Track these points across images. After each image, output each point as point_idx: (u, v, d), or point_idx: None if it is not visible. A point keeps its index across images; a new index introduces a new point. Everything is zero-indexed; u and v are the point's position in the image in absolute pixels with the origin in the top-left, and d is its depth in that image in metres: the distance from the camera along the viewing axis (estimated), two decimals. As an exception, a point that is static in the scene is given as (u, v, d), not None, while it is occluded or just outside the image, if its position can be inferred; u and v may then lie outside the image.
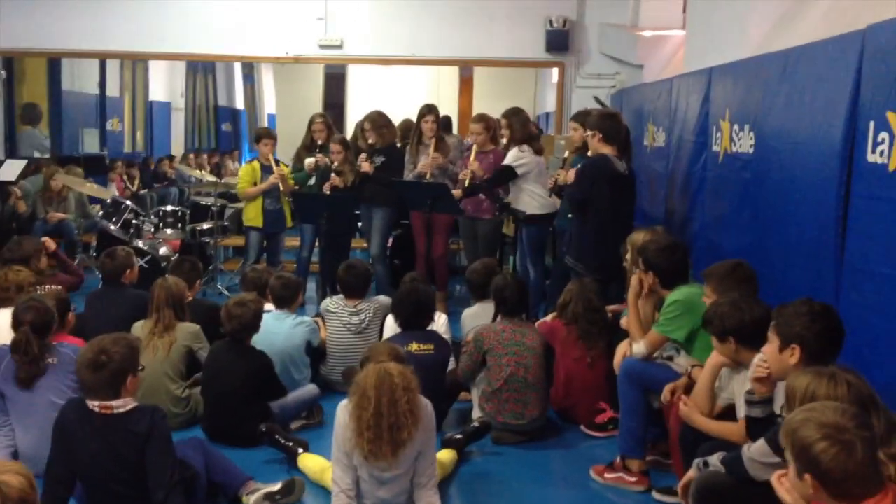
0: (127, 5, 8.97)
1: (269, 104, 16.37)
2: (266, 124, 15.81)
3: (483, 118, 6.84)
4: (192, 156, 13.16)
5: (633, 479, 3.99)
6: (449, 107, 13.53)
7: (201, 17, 9.02)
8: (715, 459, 2.90)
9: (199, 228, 7.76)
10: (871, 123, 3.14)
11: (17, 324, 3.82)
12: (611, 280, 5.26)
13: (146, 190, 11.41)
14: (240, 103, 16.53)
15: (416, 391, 3.41)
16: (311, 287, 7.62)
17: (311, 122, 7.50)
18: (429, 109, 7.00)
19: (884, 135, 3.05)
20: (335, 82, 15.30)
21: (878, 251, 3.08)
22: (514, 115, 6.55)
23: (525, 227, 6.56)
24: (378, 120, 7.17)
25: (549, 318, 5.16)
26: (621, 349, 4.36)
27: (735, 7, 5.46)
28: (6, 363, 3.80)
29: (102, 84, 11.69)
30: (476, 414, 4.61)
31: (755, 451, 2.67)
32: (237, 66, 16.02)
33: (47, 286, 4.82)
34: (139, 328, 4.55)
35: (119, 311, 4.93)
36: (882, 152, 3.06)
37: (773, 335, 2.78)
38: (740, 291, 3.46)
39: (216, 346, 4.46)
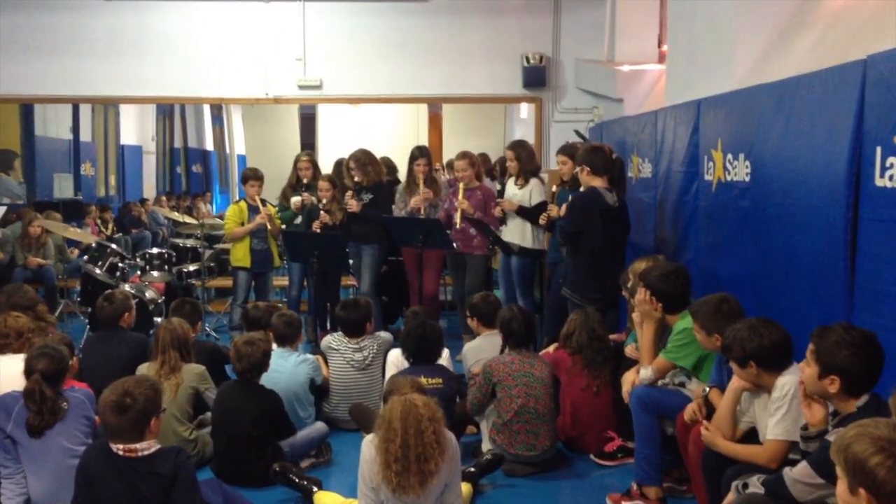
0: (103, 50, 8.95)
1: (238, 145, 16.33)
2: (236, 165, 15.78)
3: (467, 155, 6.94)
4: (164, 198, 13.08)
5: (651, 505, 4.02)
6: (413, 143, 13.66)
7: (178, 59, 9.04)
8: (755, 481, 2.93)
9: (185, 270, 7.69)
10: (878, 149, 3.25)
11: (29, 371, 3.75)
12: (607, 309, 5.33)
13: (120, 234, 11.30)
14: (209, 145, 16.48)
15: (442, 422, 3.41)
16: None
17: (296, 161, 7.54)
18: (420, 152, 7.12)
19: (892, 159, 3.16)
20: (307, 122, 15.33)
21: (892, 273, 3.17)
22: (521, 147, 6.66)
23: (517, 260, 6.63)
24: (363, 158, 7.22)
25: (551, 348, 5.21)
26: (629, 377, 4.41)
27: (718, 41, 5.62)
28: (18, 410, 3.72)
29: (76, 129, 11.59)
30: (486, 446, 4.61)
31: (798, 472, 2.70)
32: (206, 108, 15.99)
33: (51, 332, 4.74)
34: (145, 370, 4.49)
35: (119, 355, 4.88)
36: (891, 176, 3.18)
37: (811, 360, 2.82)
38: (728, 326, 3.51)
39: (225, 387, 4.42)
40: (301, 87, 9.20)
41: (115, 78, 9.00)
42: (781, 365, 3.21)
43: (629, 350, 4.91)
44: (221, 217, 12.70)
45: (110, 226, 11.29)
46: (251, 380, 4.35)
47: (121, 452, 3.18)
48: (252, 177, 7.36)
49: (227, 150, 16.15)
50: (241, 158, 16.12)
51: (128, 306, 5.22)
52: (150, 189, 13.90)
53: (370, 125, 14.33)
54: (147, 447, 3.21)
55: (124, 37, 9.01)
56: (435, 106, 13.84)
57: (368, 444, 3.43)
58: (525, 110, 13.63)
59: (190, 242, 8.81)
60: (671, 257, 5.67)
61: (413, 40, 9.20)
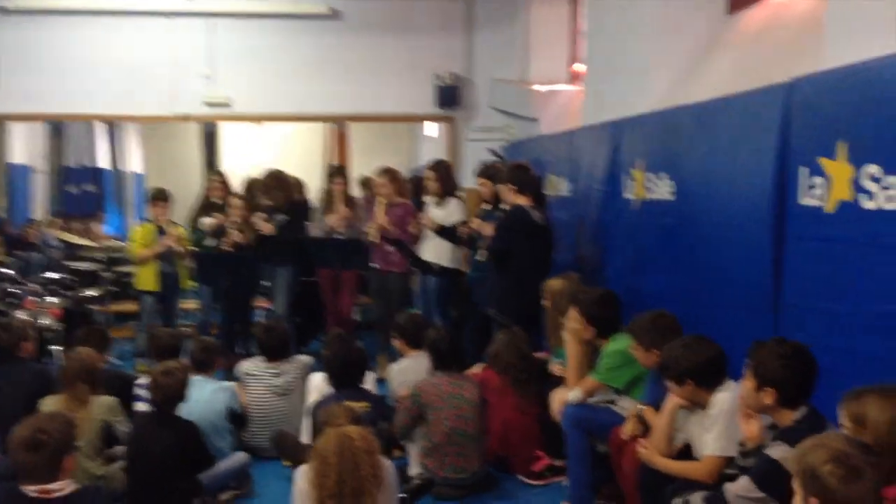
0: (4, 67, 8.46)
1: (134, 163, 15.70)
2: (132, 184, 15.17)
3: (389, 171, 6.85)
4: (55, 220, 12.41)
5: (585, 526, 4.00)
6: (317, 162, 13.50)
7: (79, 76, 8.61)
8: (697, 499, 2.94)
9: (84, 295, 7.29)
10: (804, 169, 3.34)
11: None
12: (532, 328, 5.32)
13: (6, 256, 10.64)
14: (102, 163, 15.78)
15: (377, 452, 3.29)
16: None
17: (207, 181, 7.29)
18: (338, 171, 7.00)
19: (817, 179, 3.25)
20: (209, 139, 14.90)
21: (819, 289, 3.25)
22: (441, 166, 6.63)
23: (435, 279, 6.57)
24: (269, 182, 7.05)
25: (477, 368, 5.14)
26: (558, 396, 4.41)
27: (636, 62, 5.72)
28: None
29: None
30: (414, 470, 4.50)
31: (740, 487, 2.72)
32: (98, 125, 15.33)
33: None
34: (50, 404, 4.18)
35: (19, 387, 4.53)
36: (815, 195, 3.26)
37: (748, 374, 2.85)
38: (666, 340, 3.55)
39: (140, 419, 4.17)
40: (209, 105, 8.91)
41: (10, 94, 8.50)
42: (716, 381, 3.26)
43: (556, 369, 4.91)
44: (118, 238, 12.19)
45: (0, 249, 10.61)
46: (167, 411, 4.10)
47: (34, 494, 2.94)
48: (159, 197, 7.06)
49: (123, 169, 15.51)
50: (139, 177, 15.53)
51: (26, 335, 4.88)
52: (39, 210, 13.16)
53: (275, 143, 14.08)
54: (61, 487, 2.98)
55: (22, 52, 8.53)
56: (339, 124, 13.68)
57: (302, 477, 3.28)
58: (433, 129, 13.66)
59: (86, 265, 8.37)
60: (591, 275, 5.72)
61: (325, 58, 9.05)
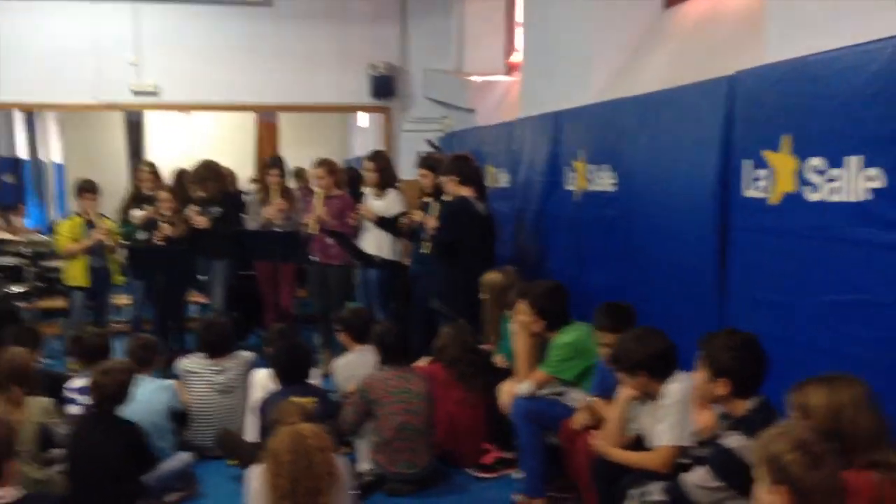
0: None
1: (54, 153, 15.14)
2: (53, 174, 14.63)
3: (327, 162, 6.75)
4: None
5: (539, 518, 4.03)
6: (247, 152, 13.29)
7: (1, 63, 8.24)
8: (655, 490, 2.98)
9: (9, 292, 7.00)
10: (748, 161, 3.41)
11: None
12: (477, 321, 5.32)
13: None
14: (21, 152, 15.16)
15: (331, 450, 3.25)
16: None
17: (137, 172, 7.07)
18: (273, 162, 6.89)
19: (761, 171, 3.33)
20: (133, 128, 14.46)
21: (764, 280, 3.34)
22: (380, 157, 6.57)
23: (376, 272, 6.52)
24: (202, 173, 6.88)
25: (421, 362, 5.13)
26: (506, 389, 4.42)
27: (575, 53, 5.76)
28: None
29: None
30: (364, 466, 4.46)
31: (697, 478, 2.77)
32: (16, 113, 14.72)
33: None
34: (-20, 407, 4.00)
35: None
36: (760, 187, 3.34)
37: (700, 365, 2.90)
38: (629, 326, 3.61)
39: (79, 421, 4.02)
40: (135, 93, 8.64)
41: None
42: (668, 372, 3.31)
43: (499, 360, 4.93)
44: (40, 231, 11.74)
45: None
46: (107, 412, 3.96)
47: (-27, 504, 2.81)
48: (87, 189, 6.81)
49: (43, 159, 14.94)
50: (59, 167, 14.99)
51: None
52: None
53: (202, 132, 13.77)
54: (4, 495, 2.87)
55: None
56: (269, 114, 13.46)
57: (256, 476, 3.22)
58: (365, 119, 13.55)
59: (9, 260, 8.03)
60: (532, 267, 5.75)
61: (257, 46, 8.88)
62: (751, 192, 3.41)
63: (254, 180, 8.41)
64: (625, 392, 3.40)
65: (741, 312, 3.48)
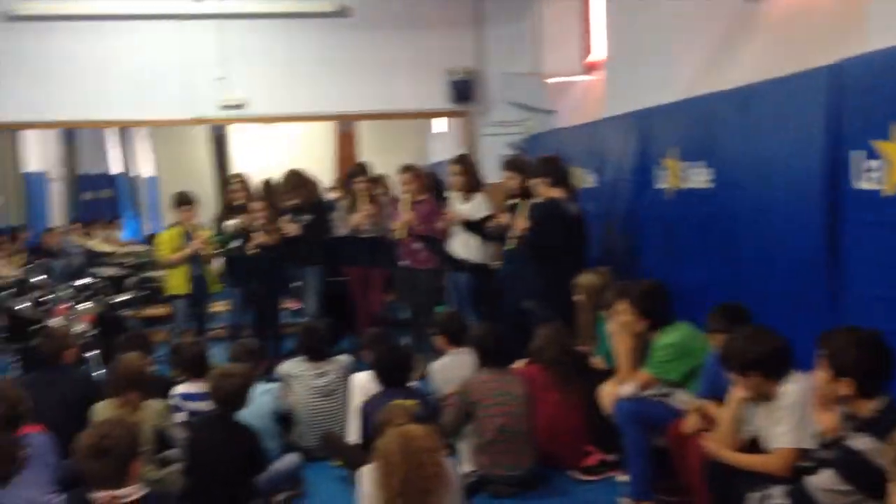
0: (9, 73, 8.43)
1: (145, 167, 15.71)
2: (146, 188, 15.17)
3: (411, 168, 6.85)
4: (74, 226, 12.43)
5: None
6: (327, 162, 13.52)
7: (92, 82, 8.55)
8: (777, 493, 2.93)
9: (116, 301, 7.30)
10: (858, 153, 3.33)
11: (-18, 417, 3.44)
12: (572, 322, 5.31)
13: (28, 265, 10.65)
14: (114, 168, 15.78)
15: (439, 451, 3.30)
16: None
17: (228, 184, 7.29)
18: (359, 170, 6.98)
19: (872, 162, 3.25)
20: (218, 141, 14.90)
21: (881, 275, 3.24)
22: (465, 160, 6.61)
23: (465, 275, 6.56)
24: (295, 181, 7.04)
25: (516, 364, 5.14)
26: (608, 391, 4.40)
27: (660, 51, 5.71)
28: (-24, 462, 3.41)
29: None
30: (466, 468, 4.50)
31: (823, 481, 2.70)
32: (111, 131, 15.31)
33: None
34: (101, 410, 4.19)
35: (64, 394, 4.52)
36: (872, 178, 3.26)
37: (822, 364, 2.84)
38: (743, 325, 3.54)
39: (199, 423, 4.17)
40: (223, 108, 8.89)
41: (22, 103, 8.48)
42: (783, 372, 3.22)
43: (597, 361, 4.91)
44: (136, 243, 12.20)
45: (22, 257, 10.62)
46: (226, 415, 4.10)
47: (103, 501, 2.94)
48: (185, 201, 7.06)
49: (135, 174, 15.51)
50: (152, 181, 15.54)
51: (68, 342, 4.90)
52: (56, 217, 13.18)
53: (285, 144, 14.10)
54: (131, 493, 2.97)
55: (32, 60, 8.47)
56: (347, 124, 13.68)
57: (367, 478, 3.29)
58: (442, 124, 13.64)
59: (113, 271, 8.37)
60: (624, 267, 5.71)
61: (337, 57, 9.02)
62: (863, 184, 3.33)
63: (333, 188, 8.58)
64: (737, 393, 3.33)
65: (856, 309, 3.38)
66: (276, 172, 7.60)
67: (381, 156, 11.50)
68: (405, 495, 3.15)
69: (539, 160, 5.72)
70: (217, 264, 7.06)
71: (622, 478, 4.40)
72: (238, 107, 8.95)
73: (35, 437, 3.59)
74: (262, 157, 13.05)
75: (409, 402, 4.35)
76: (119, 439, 2.97)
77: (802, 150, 3.71)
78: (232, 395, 4.05)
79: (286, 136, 14.28)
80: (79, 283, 7.38)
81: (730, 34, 5.38)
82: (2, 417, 3.45)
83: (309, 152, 13.42)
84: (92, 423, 3.44)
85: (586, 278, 5.09)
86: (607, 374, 4.61)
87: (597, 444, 4.67)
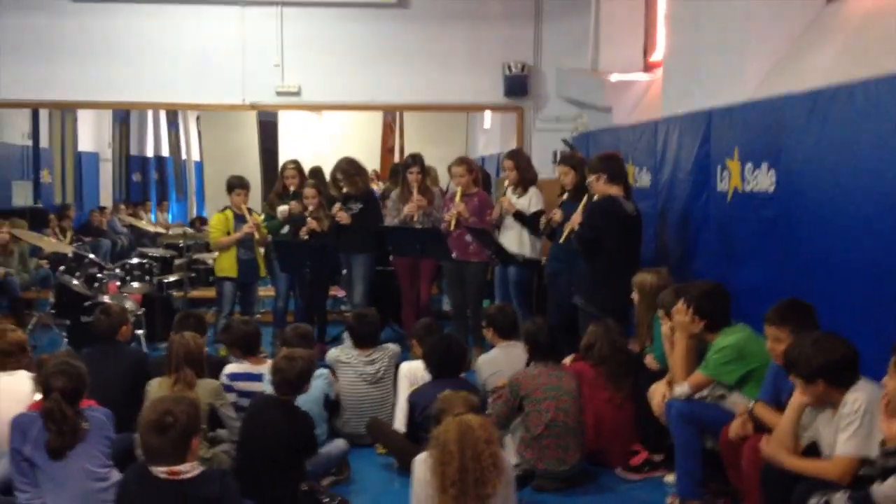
0: (71, 53, 8.59)
1: (193, 152, 15.91)
2: (192, 172, 15.37)
3: (465, 161, 6.84)
4: (123, 206, 12.66)
5: (695, 521, 3.95)
6: (373, 152, 13.53)
7: (151, 64, 8.69)
8: (840, 499, 2.87)
9: (166, 280, 7.39)
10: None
11: (46, 390, 3.50)
12: (622, 320, 5.26)
13: (78, 242, 10.87)
14: (165, 151, 16.02)
15: (496, 442, 3.29)
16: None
17: (282, 170, 7.36)
18: (413, 160, 6.98)
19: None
20: (268, 128, 15.01)
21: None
22: (519, 155, 6.59)
23: (515, 269, 6.53)
24: (349, 169, 7.06)
25: (568, 360, 5.10)
26: (659, 390, 4.34)
27: (725, 51, 5.61)
28: (36, 431, 3.47)
29: (35, 135, 11.13)
30: (513, 461, 4.48)
31: (892, 489, 2.65)
32: (162, 114, 15.53)
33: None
34: (156, 387, 4.24)
35: (119, 371, 4.60)
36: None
37: (894, 372, 2.76)
38: (807, 326, 3.48)
39: (258, 404, 4.20)
40: (279, 94, 8.96)
41: (82, 82, 8.62)
42: (849, 381, 3.15)
43: (649, 361, 4.85)
44: (182, 225, 12.37)
45: (69, 234, 10.84)
46: (288, 399, 4.11)
47: (163, 476, 2.99)
48: (238, 185, 7.13)
49: (184, 157, 15.72)
50: (198, 165, 15.73)
51: (125, 319, 4.96)
52: (106, 197, 13.42)
53: (332, 132, 14.14)
54: (190, 469, 3.03)
55: (93, 40, 8.65)
56: (390, 113, 13.68)
57: (422, 465, 3.29)
58: (489, 120, 13.59)
59: (161, 252, 8.48)
60: (679, 268, 5.64)
61: (393, 47, 9.04)
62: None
63: (377, 177, 8.59)
64: (799, 398, 3.26)
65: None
66: (325, 160, 7.64)
67: (425, 148, 11.53)
68: (460, 484, 3.15)
69: (597, 156, 5.67)
70: (268, 249, 7.11)
71: (669, 478, 4.37)
72: (294, 93, 9.01)
73: (95, 411, 3.64)
74: (309, 145, 13.10)
75: (464, 393, 4.34)
76: (181, 416, 3.03)
77: (882, 154, 3.61)
78: (296, 379, 4.07)
79: (336, 124, 14.32)
80: (129, 262, 7.50)
81: (804, 35, 5.25)
82: (66, 390, 3.49)
83: (356, 141, 13.45)
84: (151, 400, 3.48)
85: (644, 277, 5.02)
86: (659, 374, 4.55)
87: (645, 443, 4.63)
